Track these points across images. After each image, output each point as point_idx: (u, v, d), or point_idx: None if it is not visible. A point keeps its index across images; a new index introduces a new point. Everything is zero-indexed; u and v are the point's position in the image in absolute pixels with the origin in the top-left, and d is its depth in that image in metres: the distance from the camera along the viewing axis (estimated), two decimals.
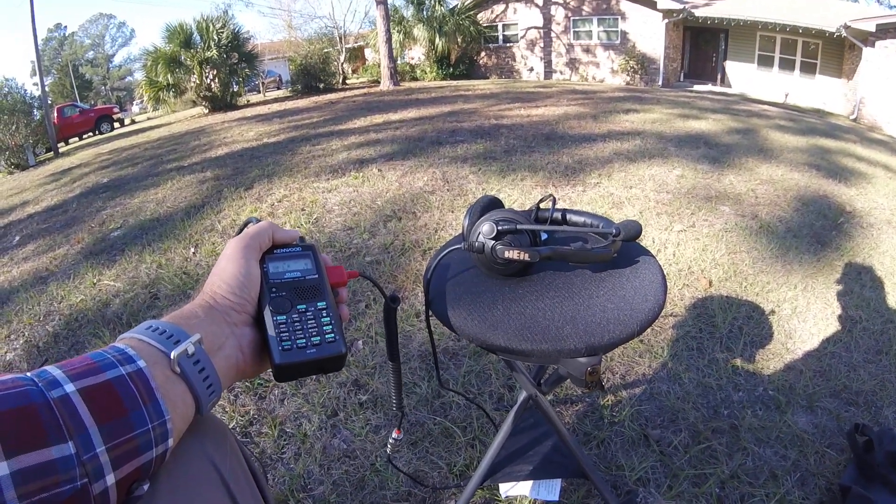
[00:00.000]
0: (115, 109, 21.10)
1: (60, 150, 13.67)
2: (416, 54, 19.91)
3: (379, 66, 16.69)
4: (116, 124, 19.16)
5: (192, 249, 3.13)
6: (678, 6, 15.01)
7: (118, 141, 11.59)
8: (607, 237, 0.81)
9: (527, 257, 0.73)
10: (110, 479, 0.37)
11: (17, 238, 4.25)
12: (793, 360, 1.99)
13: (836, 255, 2.84)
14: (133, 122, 21.14)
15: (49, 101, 16.12)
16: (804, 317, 2.28)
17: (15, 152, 12.17)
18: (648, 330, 2.09)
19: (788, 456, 1.53)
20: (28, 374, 0.38)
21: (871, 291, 2.52)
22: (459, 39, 18.20)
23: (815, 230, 3.12)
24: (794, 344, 2.09)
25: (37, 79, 16.28)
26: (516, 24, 18.72)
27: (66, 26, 48.29)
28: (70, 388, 0.37)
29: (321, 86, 16.64)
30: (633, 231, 0.81)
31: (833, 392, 1.81)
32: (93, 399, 0.38)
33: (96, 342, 2.29)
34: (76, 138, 17.63)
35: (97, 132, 18.09)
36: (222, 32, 14.31)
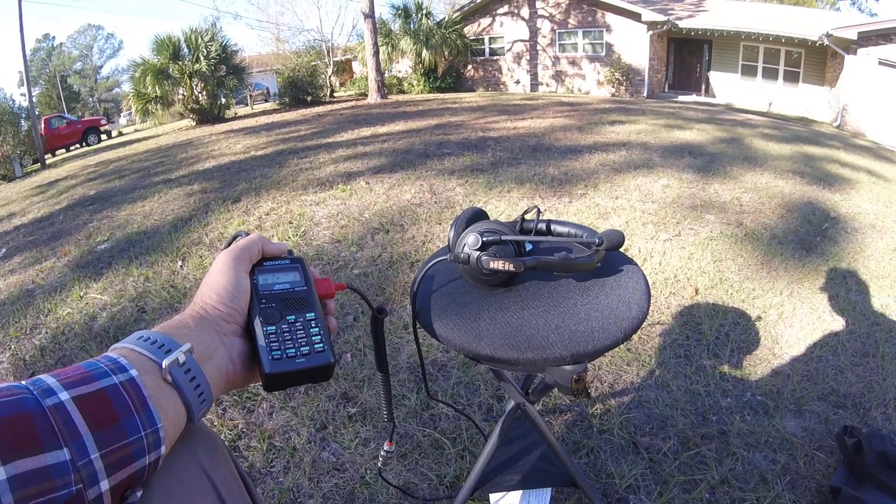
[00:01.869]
0: (103, 121, 20.93)
1: (47, 162, 13.58)
2: (404, 67, 20.01)
3: (366, 79, 16.77)
4: (104, 136, 19.01)
5: (180, 262, 3.11)
6: (662, 18, 15.21)
7: (105, 153, 11.53)
8: (591, 247, 0.82)
9: (511, 268, 0.74)
10: (104, 485, 0.38)
11: (3, 250, 4.21)
12: (780, 364, 2.01)
13: (822, 261, 2.88)
14: (120, 133, 21.01)
15: (36, 112, 16.02)
16: (790, 322, 2.30)
17: (2, 163, 12.09)
18: (636, 338, 2.11)
19: (778, 460, 1.54)
20: (23, 382, 0.39)
21: (856, 295, 2.55)
22: (446, 52, 18.30)
23: (800, 236, 3.16)
24: (781, 349, 2.11)
25: (24, 89, 16.22)
26: (503, 36, 18.87)
27: (54, 37, 48.08)
28: (64, 396, 0.38)
29: (309, 98, 16.69)
30: (615, 240, 0.82)
31: (821, 395, 1.83)
32: (86, 407, 0.38)
33: (83, 356, 2.27)
34: (63, 150, 17.48)
35: (84, 144, 17.95)
36: (210, 45, 14.34)
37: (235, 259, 0.57)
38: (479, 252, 0.76)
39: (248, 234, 0.64)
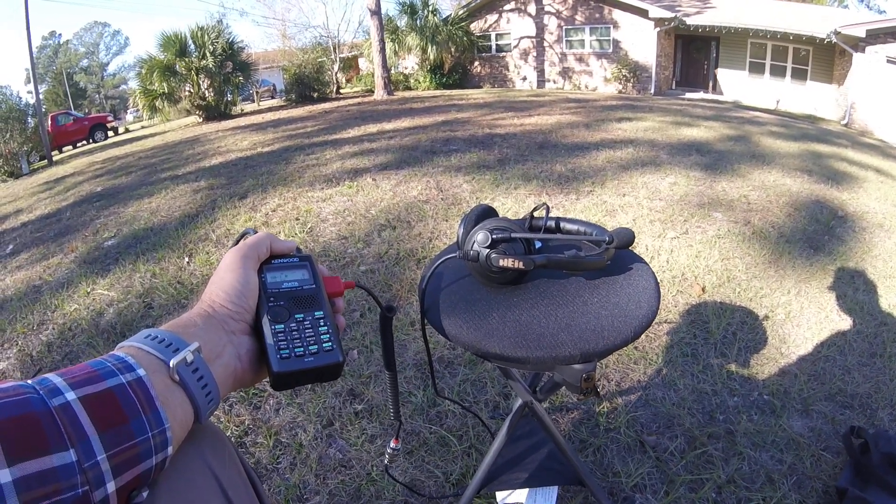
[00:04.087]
0: (109, 118, 20.94)
1: (54, 159, 13.64)
2: (410, 64, 19.99)
3: (373, 76, 16.76)
4: (110, 133, 19.07)
5: (187, 259, 3.12)
6: (669, 14, 15.13)
7: (112, 150, 11.57)
8: (601, 245, 0.82)
9: (521, 265, 0.74)
10: (111, 486, 0.38)
11: (11, 247, 4.23)
12: (787, 364, 2.00)
13: (829, 260, 2.86)
14: (127, 130, 21.08)
15: (43, 109, 16.08)
16: (798, 321, 2.29)
17: (9, 160, 12.16)
18: (643, 337, 2.10)
19: (784, 460, 1.53)
20: (29, 381, 0.38)
21: (864, 295, 2.54)
22: (453, 49, 18.29)
23: (807, 235, 3.14)
24: (789, 348, 2.10)
25: (31, 86, 16.30)
26: (509, 33, 18.82)
27: (60, 34, 48.27)
28: (71, 395, 0.38)
29: (315, 95, 16.70)
30: (626, 238, 0.82)
31: (828, 395, 1.82)
32: (93, 407, 0.38)
33: (90, 351, 2.28)
34: (70, 146, 17.52)
35: (91, 140, 18.01)
36: (217, 42, 14.36)
37: (244, 257, 0.57)
38: (488, 250, 0.76)
39: (256, 231, 0.63)
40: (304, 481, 1.50)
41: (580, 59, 17.56)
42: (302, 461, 1.57)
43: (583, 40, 17.39)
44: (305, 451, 1.60)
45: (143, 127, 20.75)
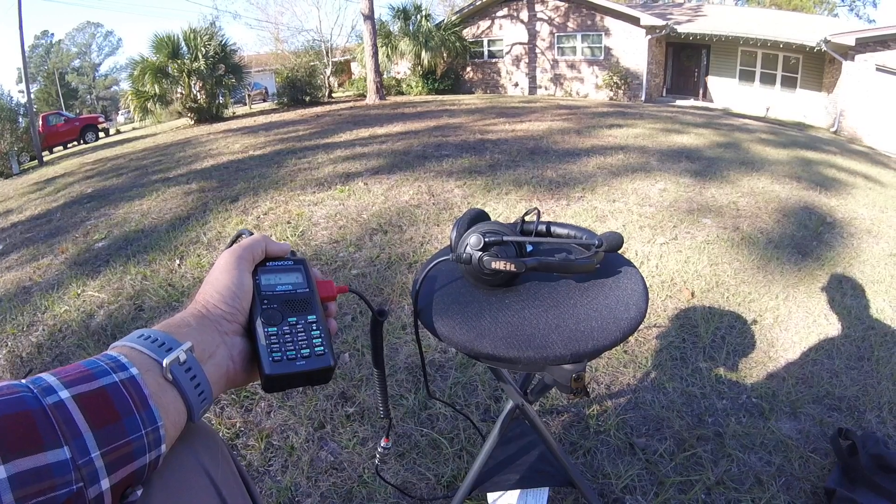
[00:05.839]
0: (101, 119, 20.82)
1: (45, 159, 13.55)
2: (403, 69, 20.01)
3: (365, 80, 16.76)
4: (101, 134, 18.99)
5: (178, 261, 3.11)
6: (661, 22, 15.25)
7: (103, 151, 11.49)
8: (590, 248, 0.83)
9: (513, 268, 0.75)
10: (105, 483, 0.38)
11: (0, 247, 4.19)
12: (775, 368, 2.02)
13: (817, 265, 2.89)
14: (118, 132, 20.95)
15: (34, 109, 15.98)
16: (786, 325, 2.31)
17: None
18: (633, 340, 2.12)
19: (773, 461, 1.55)
20: (23, 380, 0.39)
21: (851, 299, 2.56)
22: (445, 54, 18.32)
23: (796, 241, 3.17)
24: (777, 352, 2.12)
25: (22, 86, 16.21)
26: (501, 39, 18.91)
27: (52, 34, 48.08)
28: (65, 394, 0.38)
29: (307, 99, 16.69)
30: (614, 242, 0.83)
31: (816, 398, 1.84)
32: (87, 405, 0.38)
33: (80, 353, 2.27)
34: (61, 147, 17.46)
35: (82, 141, 17.92)
36: (209, 44, 14.33)
37: (238, 258, 0.57)
38: (481, 252, 0.77)
39: (251, 233, 0.64)
40: (295, 484, 1.50)
41: (572, 66, 17.66)
42: (293, 464, 1.57)
43: (574, 47, 17.50)
44: (297, 454, 1.61)
45: (134, 129, 20.64)
